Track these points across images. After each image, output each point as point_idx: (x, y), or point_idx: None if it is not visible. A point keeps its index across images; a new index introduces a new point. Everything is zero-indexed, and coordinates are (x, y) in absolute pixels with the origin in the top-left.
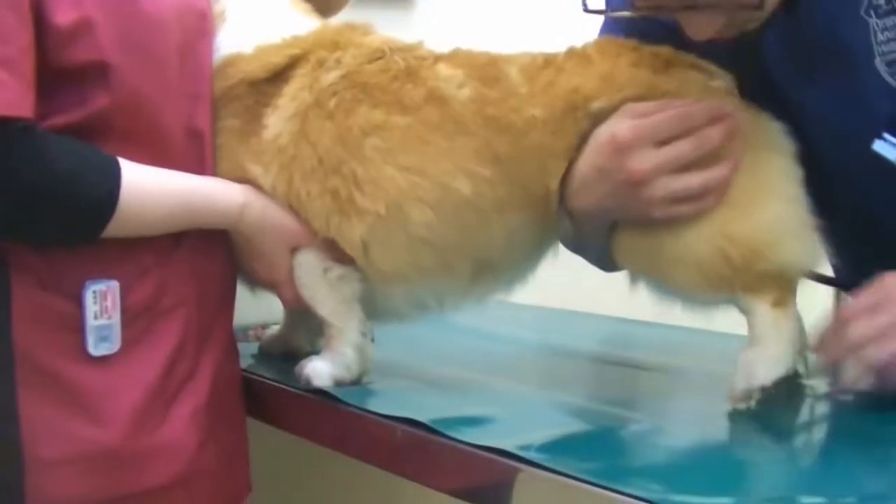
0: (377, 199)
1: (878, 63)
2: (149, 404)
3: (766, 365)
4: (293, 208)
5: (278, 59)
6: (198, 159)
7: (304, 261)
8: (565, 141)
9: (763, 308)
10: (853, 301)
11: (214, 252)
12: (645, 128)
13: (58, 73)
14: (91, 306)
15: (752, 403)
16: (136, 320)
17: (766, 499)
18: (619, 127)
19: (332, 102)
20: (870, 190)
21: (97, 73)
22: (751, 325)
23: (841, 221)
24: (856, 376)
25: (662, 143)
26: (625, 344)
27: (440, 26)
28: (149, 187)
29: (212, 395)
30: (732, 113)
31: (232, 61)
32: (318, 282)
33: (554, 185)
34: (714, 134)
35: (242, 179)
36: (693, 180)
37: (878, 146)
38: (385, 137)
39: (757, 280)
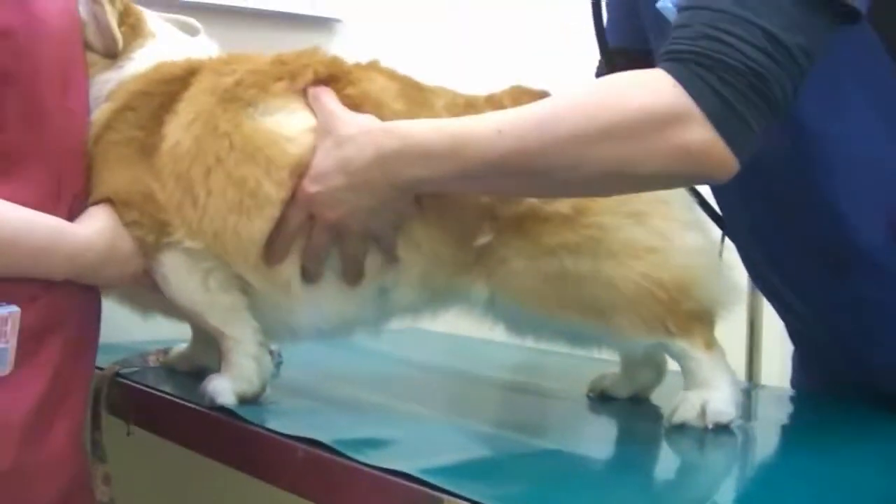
0: None
1: None
2: (34, 424)
3: (728, 405)
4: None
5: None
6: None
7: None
8: None
9: (700, 353)
10: None
11: None
12: None
13: None
14: None
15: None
16: (24, 343)
17: None
18: None
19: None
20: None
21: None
22: (691, 371)
23: None
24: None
25: None
26: (535, 372)
27: (360, 52)
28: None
29: (84, 412)
30: None
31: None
32: (198, 289)
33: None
34: None
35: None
36: None
37: (661, 4)
38: None
39: (687, 320)
